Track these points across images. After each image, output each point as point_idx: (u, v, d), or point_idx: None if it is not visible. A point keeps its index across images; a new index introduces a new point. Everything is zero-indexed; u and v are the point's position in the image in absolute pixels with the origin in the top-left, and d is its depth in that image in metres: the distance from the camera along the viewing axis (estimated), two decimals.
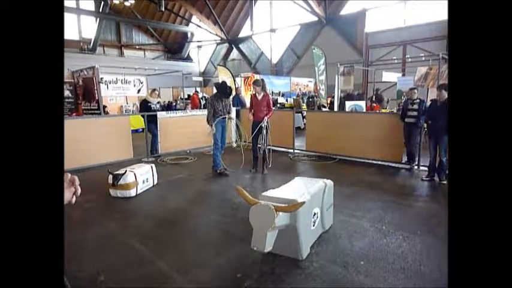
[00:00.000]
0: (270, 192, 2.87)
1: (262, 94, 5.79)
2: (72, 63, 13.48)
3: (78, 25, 21.87)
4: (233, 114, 6.04)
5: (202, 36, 23.70)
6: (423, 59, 11.48)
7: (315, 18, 17.22)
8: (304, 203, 2.53)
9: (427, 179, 5.31)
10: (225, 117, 5.68)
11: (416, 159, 6.14)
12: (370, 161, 6.58)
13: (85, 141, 6.15)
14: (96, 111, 8.89)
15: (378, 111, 10.19)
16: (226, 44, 22.93)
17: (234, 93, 11.74)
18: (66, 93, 10.33)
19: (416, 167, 6.12)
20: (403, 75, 13.45)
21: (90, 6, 21.30)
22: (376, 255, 2.85)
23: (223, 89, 5.63)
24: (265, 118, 5.64)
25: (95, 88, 8.84)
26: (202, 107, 13.48)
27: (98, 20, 20.24)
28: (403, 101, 8.11)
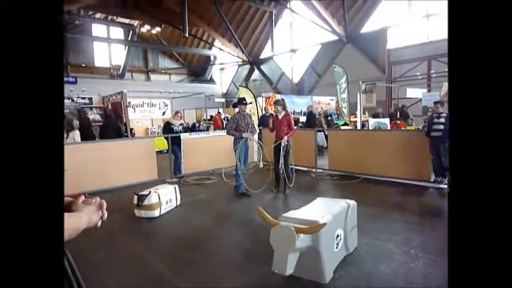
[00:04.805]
0: (291, 213, 2.85)
1: (283, 114, 5.83)
2: (103, 88, 14.27)
3: (109, 53, 23.23)
4: (255, 136, 6.18)
5: (225, 58, 24.40)
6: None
7: (336, 37, 17.33)
8: (325, 224, 2.48)
9: None
10: (246, 139, 5.73)
11: (447, 173, 5.87)
12: (396, 180, 6.36)
13: (113, 163, 6.41)
14: (124, 134, 9.30)
15: (403, 128, 9.94)
16: (248, 65, 23.44)
17: (259, 112, 11.90)
18: (97, 117, 10.99)
19: (446, 185, 5.85)
20: (429, 90, 13.10)
21: (120, 35, 22.67)
22: (402, 280, 2.72)
23: (241, 100, 6.04)
24: (285, 137, 5.65)
25: (123, 112, 9.29)
26: (224, 127, 13.72)
27: (127, 47, 21.45)
28: (428, 116, 7.90)
